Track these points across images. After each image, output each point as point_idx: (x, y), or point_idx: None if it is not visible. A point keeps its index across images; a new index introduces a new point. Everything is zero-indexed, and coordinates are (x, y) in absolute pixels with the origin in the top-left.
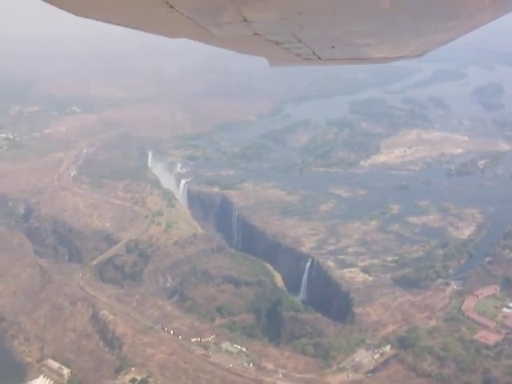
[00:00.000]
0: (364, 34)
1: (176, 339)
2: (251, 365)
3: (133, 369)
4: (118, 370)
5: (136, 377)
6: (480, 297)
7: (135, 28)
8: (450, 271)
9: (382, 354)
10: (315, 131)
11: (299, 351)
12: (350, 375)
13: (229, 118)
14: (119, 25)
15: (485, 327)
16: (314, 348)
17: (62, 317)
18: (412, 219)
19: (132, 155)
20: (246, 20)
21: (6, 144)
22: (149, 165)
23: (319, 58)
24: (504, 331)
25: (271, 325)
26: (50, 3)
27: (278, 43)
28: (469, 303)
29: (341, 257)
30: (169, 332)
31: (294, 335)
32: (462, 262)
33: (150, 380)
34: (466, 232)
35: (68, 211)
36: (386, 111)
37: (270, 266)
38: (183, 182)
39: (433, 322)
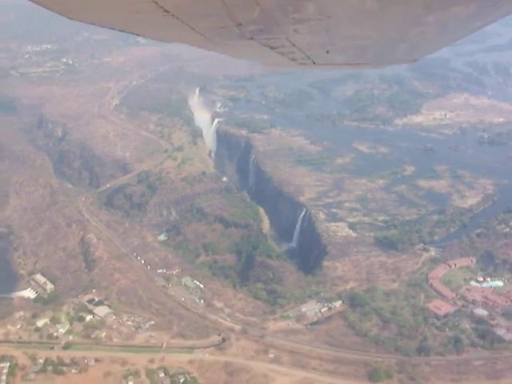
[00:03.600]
0: (358, 39)
1: (144, 269)
2: (202, 301)
3: (94, 290)
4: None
5: (94, 298)
6: (453, 267)
7: (131, 32)
8: (436, 238)
9: (329, 309)
10: (364, 85)
11: (253, 295)
12: (290, 323)
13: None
14: (115, 29)
15: (443, 297)
16: (267, 293)
17: (56, 236)
18: (421, 182)
19: (178, 90)
20: (241, 25)
21: (63, 69)
22: (189, 101)
23: (314, 63)
24: (460, 303)
25: (245, 267)
26: (45, 7)
27: (272, 48)
28: (438, 272)
29: (334, 210)
30: (140, 261)
31: (258, 279)
32: (452, 230)
33: (106, 302)
34: (470, 201)
35: (97, 138)
36: (444, 72)
37: (262, 211)
38: (216, 121)
39: (394, 285)
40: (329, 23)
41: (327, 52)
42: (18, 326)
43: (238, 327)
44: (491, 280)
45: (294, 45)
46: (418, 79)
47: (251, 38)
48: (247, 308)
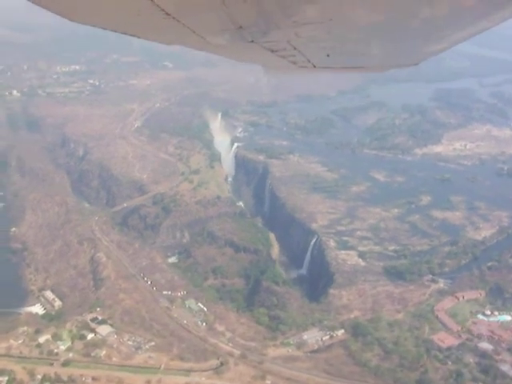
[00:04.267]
0: (359, 42)
1: (150, 289)
2: (204, 324)
3: (98, 309)
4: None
5: (98, 316)
6: (460, 299)
7: (131, 34)
8: (446, 269)
9: (331, 337)
10: (386, 114)
11: (255, 320)
12: (290, 350)
13: (310, 90)
14: (115, 31)
15: (448, 329)
16: (270, 319)
17: (68, 253)
18: (435, 213)
19: (201, 114)
20: (241, 27)
21: (89, 89)
22: (210, 125)
23: (314, 66)
24: (465, 336)
25: (252, 292)
26: (47, 9)
27: (273, 51)
28: (445, 304)
29: (345, 238)
30: (146, 282)
31: (262, 304)
32: (463, 262)
33: (109, 321)
34: (483, 233)
35: (116, 158)
36: (468, 103)
37: (272, 237)
38: (235, 145)
39: (399, 316)
40: (330, 26)
41: (328, 55)
42: (20, 341)
43: (237, 352)
44: (499, 314)
45: (294, 48)
46: (440, 109)
47: (252, 41)
48: (248, 333)
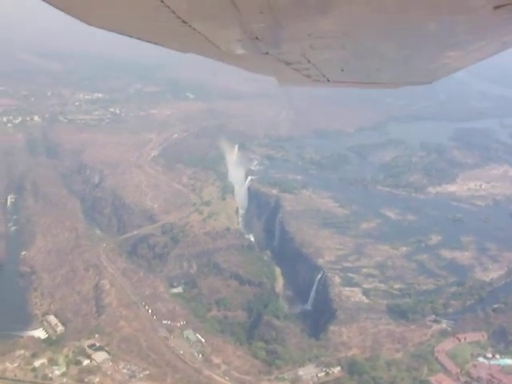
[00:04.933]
0: (373, 58)
1: (150, 318)
2: (200, 355)
3: (96, 335)
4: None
5: (96, 343)
6: (462, 341)
7: (148, 41)
8: (450, 310)
9: (327, 374)
10: (403, 151)
11: (252, 353)
12: None
13: (328, 126)
14: (133, 37)
15: (447, 371)
16: (267, 353)
17: (74, 279)
18: (444, 252)
19: (217, 146)
20: (257, 38)
21: (110, 117)
22: (226, 157)
23: (328, 81)
24: (464, 379)
25: (253, 325)
26: (66, 12)
27: (287, 63)
28: (446, 345)
29: (351, 275)
30: (147, 310)
31: (262, 338)
32: (468, 303)
33: (106, 348)
34: (491, 275)
35: (129, 187)
36: (487, 143)
37: (278, 271)
38: (249, 178)
39: (398, 355)
40: (345, 41)
41: (342, 70)
42: (16, 364)
43: None
44: (501, 357)
45: (309, 61)
46: (459, 148)
47: (267, 53)
48: (244, 366)
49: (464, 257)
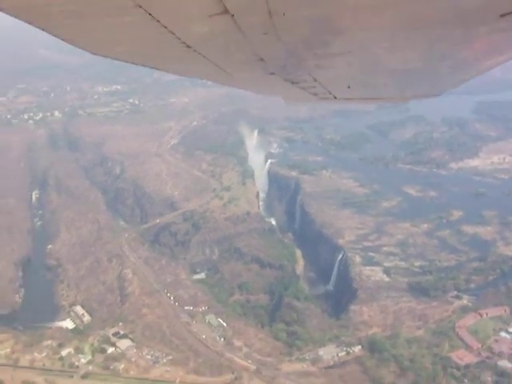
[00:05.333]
0: (380, 74)
1: (172, 305)
2: (222, 339)
3: (120, 323)
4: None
5: (120, 331)
6: (484, 316)
7: (151, 67)
8: (472, 286)
9: (347, 353)
10: (424, 127)
11: (273, 335)
12: (305, 366)
13: (347, 105)
14: (137, 64)
15: (468, 347)
16: (287, 335)
17: (98, 270)
18: (466, 228)
19: (237, 131)
20: (262, 60)
21: (129, 109)
22: (246, 142)
23: (335, 98)
24: (485, 354)
25: (275, 308)
26: (69, 43)
27: (294, 83)
28: (467, 320)
29: (371, 254)
30: (170, 297)
31: (283, 320)
32: (491, 278)
33: (130, 336)
34: None
35: (150, 176)
36: (510, 115)
37: (298, 253)
38: (269, 161)
39: (419, 332)
40: (350, 58)
41: (348, 87)
42: (44, 354)
43: (252, 367)
44: None
45: (315, 80)
46: (481, 122)
47: (272, 73)
48: (265, 348)
49: (486, 232)
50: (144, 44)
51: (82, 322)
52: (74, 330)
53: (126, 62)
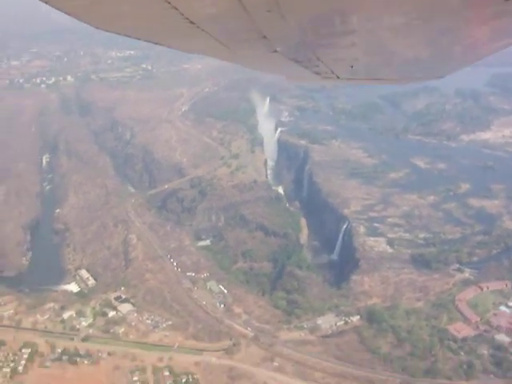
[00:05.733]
0: (383, 55)
1: (175, 271)
2: (222, 306)
3: (122, 288)
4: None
5: (122, 295)
6: (484, 289)
7: (155, 42)
8: (475, 259)
9: (346, 323)
10: (437, 99)
11: (273, 303)
12: (302, 334)
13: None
14: (140, 39)
15: (466, 320)
16: (287, 303)
17: (104, 234)
18: (473, 201)
19: (248, 98)
20: (265, 37)
21: (141, 74)
22: (257, 110)
23: (338, 77)
24: (483, 328)
25: (277, 276)
26: (72, 16)
27: (296, 61)
28: (467, 294)
29: (376, 225)
30: (172, 263)
31: (284, 288)
32: (494, 252)
33: (131, 300)
34: None
35: (159, 142)
36: None
37: (303, 222)
38: (279, 130)
39: (418, 304)
40: (354, 38)
41: (351, 67)
42: (46, 316)
43: (250, 334)
44: None
45: (318, 58)
46: (494, 94)
47: (275, 51)
48: (265, 316)
49: (493, 205)
50: (147, 19)
51: (87, 285)
52: (77, 294)
53: (129, 36)
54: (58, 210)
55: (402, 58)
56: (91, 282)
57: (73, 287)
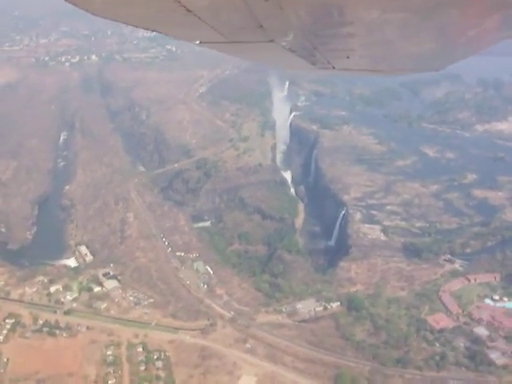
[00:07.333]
0: (379, 46)
1: (165, 250)
2: (205, 286)
3: (111, 265)
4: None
5: (110, 272)
6: (472, 281)
7: (152, 30)
8: (468, 250)
9: (325, 309)
10: (458, 87)
11: (256, 286)
12: (280, 318)
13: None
14: (137, 26)
15: (447, 311)
16: (270, 286)
17: (105, 212)
18: (476, 192)
19: (268, 82)
20: (261, 27)
21: (165, 55)
22: (273, 93)
23: (334, 68)
24: (463, 320)
25: (268, 259)
26: (70, 2)
27: (292, 51)
28: (453, 285)
29: (373, 212)
30: (164, 243)
31: (271, 271)
32: (489, 244)
33: (119, 277)
34: None
35: (171, 123)
36: None
37: (301, 206)
38: (292, 114)
39: (402, 293)
40: (351, 29)
41: (347, 57)
42: (34, 289)
43: (228, 315)
44: (508, 300)
45: (314, 48)
46: None
47: (271, 41)
48: (245, 298)
49: (496, 196)
50: (144, 7)
51: (85, 261)
52: (73, 269)
53: (126, 23)
54: (67, 187)
55: (398, 50)
56: (89, 257)
57: (71, 262)
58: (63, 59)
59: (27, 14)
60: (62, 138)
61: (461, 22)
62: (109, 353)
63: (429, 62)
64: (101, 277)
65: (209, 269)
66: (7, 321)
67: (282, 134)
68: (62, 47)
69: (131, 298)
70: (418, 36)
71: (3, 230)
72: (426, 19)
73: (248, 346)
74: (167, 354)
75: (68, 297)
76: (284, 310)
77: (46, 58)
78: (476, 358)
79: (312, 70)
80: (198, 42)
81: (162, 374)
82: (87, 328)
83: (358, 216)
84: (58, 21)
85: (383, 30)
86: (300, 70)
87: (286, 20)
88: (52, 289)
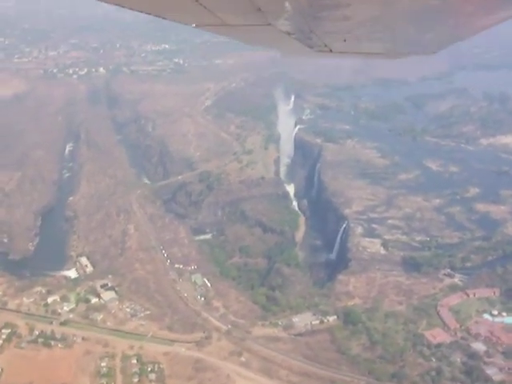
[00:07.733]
0: (376, 29)
1: (164, 262)
2: (203, 299)
3: (110, 276)
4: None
5: (108, 283)
6: (471, 296)
7: (154, 15)
8: (468, 264)
9: (321, 322)
10: (463, 101)
11: (254, 299)
12: (276, 331)
13: (389, 75)
14: (134, 9)
15: (445, 326)
16: (267, 299)
17: (107, 223)
18: (479, 206)
19: (273, 95)
20: (259, 10)
21: (172, 68)
22: (278, 106)
23: (331, 51)
24: (460, 335)
25: (267, 272)
26: None
27: (290, 34)
28: (452, 299)
29: (374, 226)
30: (164, 255)
31: (270, 284)
32: (490, 258)
33: (116, 288)
34: None
35: (176, 136)
36: None
37: (302, 220)
38: (297, 127)
39: (399, 307)
40: (348, 11)
41: (344, 40)
42: (31, 300)
43: (224, 328)
44: (507, 315)
45: (311, 31)
46: None
47: (269, 24)
48: (242, 311)
49: (499, 211)
50: None
51: (85, 272)
52: (73, 280)
53: (123, 6)
54: (70, 198)
55: (395, 33)
56: (89, 269)
57: (72, 273)
58: (71, 71)
59: (37, 27)
60: (67, 150)
61: (457, 3)
62: (103, 364)
63: (425, 44)
64: (99, 288)
65: (206, 281)
66: (3, 331)
67: (287, 147)
68: (70, 59)
69: (128, 310)
70: (414, 18)
71: (5, 240)
72: (421, 1)
73: (243, 359)
74: (161, 366)
75: (65, 308)
76: (280, 323)
77: (55, 70)
78: (472, 373)
79: (309, 53)
80: (194, 25)
81: None
82: (83, 339)
83: (359, 230)
84: (69, 33)
85: (379, 13)
86: (298, 55)
87: (283, 3)
88: (49, 299)
